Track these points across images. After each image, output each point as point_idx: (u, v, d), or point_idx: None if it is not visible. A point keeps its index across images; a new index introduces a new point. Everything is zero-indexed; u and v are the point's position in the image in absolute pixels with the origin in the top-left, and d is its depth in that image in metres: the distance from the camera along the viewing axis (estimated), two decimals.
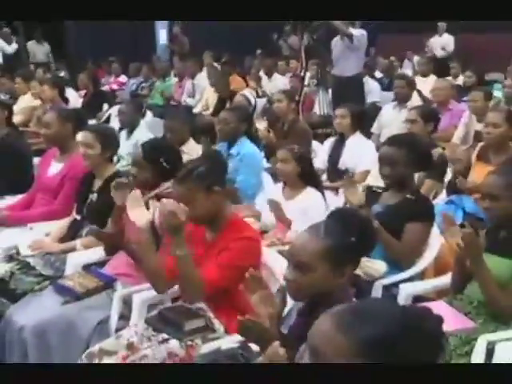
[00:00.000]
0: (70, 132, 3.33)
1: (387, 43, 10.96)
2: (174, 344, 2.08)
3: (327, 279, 1.62)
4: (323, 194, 3.16)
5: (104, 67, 10.93)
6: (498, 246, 2.20)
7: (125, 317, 2.44)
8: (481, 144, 3.59)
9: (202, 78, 8.00)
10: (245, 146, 3.79)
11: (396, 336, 1.05)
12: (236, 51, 9.96)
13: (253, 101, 6.59)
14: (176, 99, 7.92)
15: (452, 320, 2.08)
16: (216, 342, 2.10)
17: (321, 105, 6.17)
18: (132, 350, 2.09)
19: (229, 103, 6.48)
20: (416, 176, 2.92)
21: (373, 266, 2.43)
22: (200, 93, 7.77)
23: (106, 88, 9.22)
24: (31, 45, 11.60)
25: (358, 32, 5.81)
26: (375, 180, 3.39)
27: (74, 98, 6.44)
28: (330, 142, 4.40)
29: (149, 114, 5.96)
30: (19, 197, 3.45)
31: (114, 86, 9.71)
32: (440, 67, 8.04)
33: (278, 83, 8.20)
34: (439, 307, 2.19)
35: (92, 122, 5.26)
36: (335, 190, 3.89)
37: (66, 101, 5.71)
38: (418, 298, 2.50)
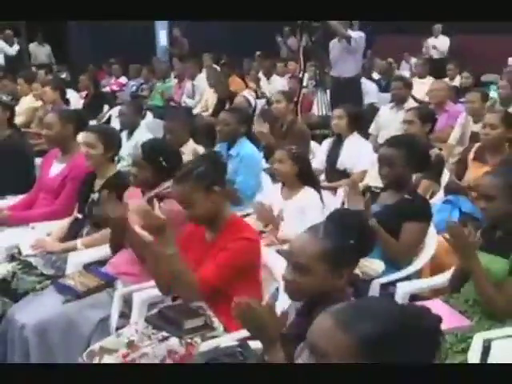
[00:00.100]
0: (71, 133, 3.35)
1: (384, 45, 10.99)
2: (173, 342, 2.10)
3: (326, 280, 1.63)
4: (321, 193, 3.17)
5: (104, 69, 10.97)
6: (494, 245, 2.22)
7: (125, 315, 2.46)
8: (477, 145, 3.62)
9: (202, 79, 8.02)
10: (244, 147, 3.80)
11: (395, 334, 1.06)
12: (235, 53, 9.99)
13: (253, 102, 6.62)
14: (176, 100, 7.95)
15: (448, 318, 2.08)
16: (215, 340, 2.11)
17: (319, 106, 6.19)
18: (132, 348, 2.10)
19: (228, 104, 6.51)
20: (413, 176, 2.95)
21: (371, 265, 2.47)
22: (200, 94, 7.80)
23: (106, 89, 9.25)
24: (33, 47, 11.65)
25: (356, 34, 5.84)
26: (373, 180, 3.41)
27: (75, 99, 6.47)
28: (327, 142, 4.42)
29: (149, 115, 5.98)
30: (21, 197, 3.47)
31: (115, 88, 9.72)
32: (437, 69, 8.07)
33: (276, 84, 8.22)
34: (436, 305, 2.21)
35: (93, 122, 5.29)
36: (333, 189, 3.92)
37: (67, 102, 5.75)
38: (414, 297, 2.53)
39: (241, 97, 6.41)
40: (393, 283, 2.53)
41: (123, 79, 9.92)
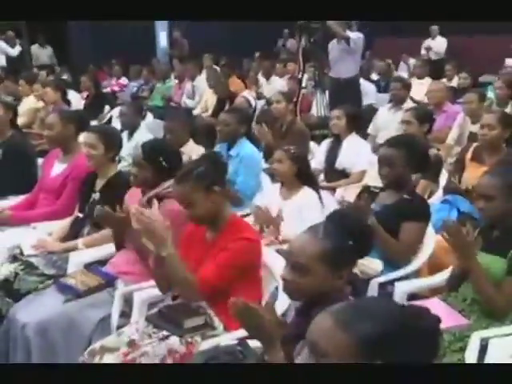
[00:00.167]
0: (72, 133, 3.37)
1: (383, 46, 11.03)
2: (174, 341, 2.10)
3: (325, 281, 1.63)
4: (320, 193, 3.18)
5: (105, 70, 11.03)
6: (492, 245, 2.23)
7: (126, 314, 2.47)
8: (475, 145, 3.63)
9: (202, 80, 8.04)
10: (244, 148, 3.81)
11: (394, 334, 1.07)
12: (235, 53, 10.02)
13: (253, 102, 6.65)
14: (176, 101, 7.98)
15: (446, 317, 2.08)
16: (215, 339, 2.12)
17: (318, 106, 6.21)
18: (133, 346, 2.11)
19: (228, 105, 6.54)
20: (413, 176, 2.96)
21: (369, 264, 2.49)
22: (199, 95, 7.83)
23: (107, 90, 9.30)
24: (34, 49, 11.72)
25: (355, 35, 5.87)
26: (372, 180, 3.43)
27: (76, 100, 6.49)
28: (326, 142, 4.44)
29: (149, 115, 5.99)
30: (22, 197, 3.48)
31: (115, 88, 9.77)
32: (435, 70, 8.10)
33: (275, 85, 8.25)
34: (434, 304, 2.22)
35: (94, 123, 5.31)
36: (332, 189, 3.94)
37: (68, 103, 5.77)
38: (413, 296, 2.54)
39: (241, 97, 6.44)
40: (391, 282, 2.55)
41: (124, 80, 9.97)
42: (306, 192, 3.14)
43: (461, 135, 4.66)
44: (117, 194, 2.85)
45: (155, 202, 2.27)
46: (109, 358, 2.09)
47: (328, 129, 4.62)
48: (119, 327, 2.36)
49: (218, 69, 8.51)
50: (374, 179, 3.28)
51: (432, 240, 2.72)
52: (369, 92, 6.85)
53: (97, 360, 2.10)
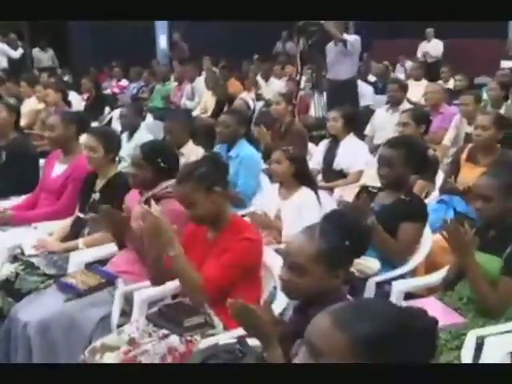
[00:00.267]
0: (73, 134, 3.39)
1: (380, 48, 11.08)
2: (174, 339, 2.11)
3: (322, 280, 1.64)
4: (318, 194, 3.20)
5: (106, 72, 11.06)
6: (488, 245, 2.25)
7: (126, 313, 2.47)
8: (470, 145, 3.65)
9: (201, 81, 8.09)
10: (244, 149, 3.83)
11: (392, 334, 1.06)
12: (234, 55, 10.06)
13: (252, 104, 6.69)
14: (175, 102, 8.01)
15: (442, 316, 2.11)
16: (214, 337, 2.13)
17: (316, 108, 6.24)
18: (133, 345, 2.12)
19: (227, 106, 6.57)
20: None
21: (366, 263, 2.51)
22: (199, 96, 7.86)
23: (107, 92, 9.34)
24: (36, 52, 11.78)
25: (352, 37, 5.90)
26: (369, 180, 3.45)
27: (77, 102, 6.54)
28: (324, 143, 4.47)
29: (149, 116, 6.02)
30: (23, 197, 3.50)
31: (116, 90, 9.81)
32: (431, 71, 8.14)
33: (274, 87, 8.29)
34: (430, 303, 2.25)
35: (94, 124, 5.34)
36: (330, 189, 3.97)
37: (69, 104, 5.81)
38: (409, 295, 2.55)
39: (239, 99, 6.47)
40: (388, 281, 2.56)
41: (124, 82, 10.00)
42: (305, 192, 3.15)
43: (457, 136, 4.70)
44: (117, 194, 2.87)
45: (153, 202, 2.29)
46: (109, 357, 2.10)
47: (326, 130, 4.65)
48: (119, 326, 2.37)
49: (216, 71, 8.56)
50: (371, 179, 3.30)
51: (429, 240, 2.74)
52: (366, 93, 6.88)
53: (97, 358, 2.11)
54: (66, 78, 9.75)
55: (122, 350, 2.11)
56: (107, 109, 6.64)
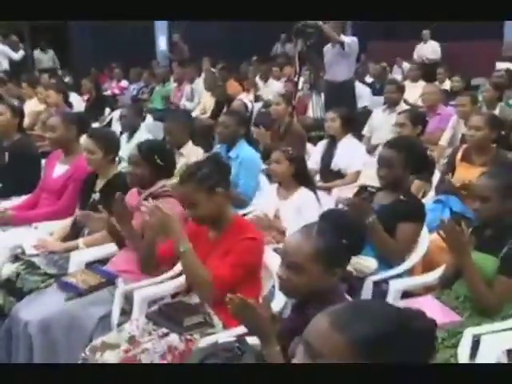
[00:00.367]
0: (74, 135, 3.41)
1: (377, 50, 11.10)
2: (173, 338, 2.13)
3: (319, 279, 1.66)
4: (316, 193, 3.22)
5: (106, 73, 11.07)
6: (484, 244, 2.27)
7: (126, 312, 2.49)
8: (464, 146, 3.67)
9: (201, 82, 8.12)
10: (243, 149, 3.85)
11: (390, 335, 1.07)
12: (233, 56, 10.08)
13: (249, 106, 6.71)
14: (175, 103, 8.03)
15: (439, 314, 2.14)
16: (214, 336, 2.15)
17: (314, 108, 6.25)
18: (133, 343, 2.13)
19: (226, 107, 6.59)
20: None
21: (364, 262, 2.53)
22: (198, 97, 7.88)
23: (108, 93, 9.37)
24: (37, 53, 11.82)
25: (349, 39, 5.92)
26: (368, 180, 3.48)
27: (78, 103, 6.54)
28: (322, 143, 4.49)
29: (149, 117, 6.03)
30: (24, 197, 3.51)
31: (116, 91, 9.82)
32: (428, 73, 8.17)
33: (273, 88, 8.32)
34: (427, 302, 2.26)
35: (95, 125, 5.36)
36: (328, 189, 4.00)
37: (70, 105, 5.82)
38: (406, 294, 2.57)
39: (238, 101, 6.50)
40: (386, 280, 2.58)
41: (124, 83, 10.02)
42: (303, 192, 3.17)
43: (453, 137, 4.72)
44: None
45: (151, 200, 2.32)
46: (110, 355, 2.11)
47: (324, 130, 4.67)
48: (120, 325, 2.39)
49: (215, 72, 8.57)
50: (369, 179, 3.33)
51: (426, 239, 2.76)
52: (363, 94, 6.91)
53: (98, 356, 2.13)
54: (66, 79, 9.75)
55: (122, 349, 2.13)
56: (107, 110, 6.66)
